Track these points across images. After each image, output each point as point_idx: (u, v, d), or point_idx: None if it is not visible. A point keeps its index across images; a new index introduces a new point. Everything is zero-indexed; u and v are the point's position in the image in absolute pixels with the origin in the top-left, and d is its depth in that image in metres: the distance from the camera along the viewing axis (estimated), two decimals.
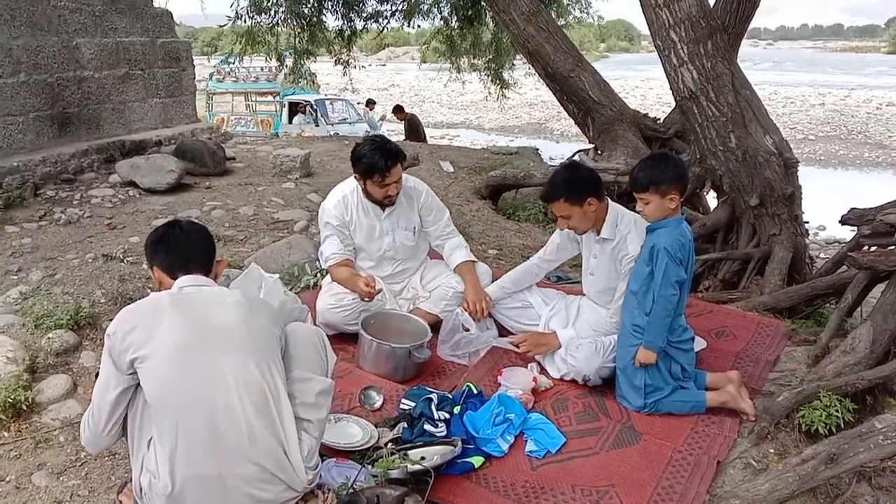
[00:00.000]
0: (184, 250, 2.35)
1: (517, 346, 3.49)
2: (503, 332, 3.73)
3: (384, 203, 3.59)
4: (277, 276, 3.62)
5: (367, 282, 3.40)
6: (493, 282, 3.83)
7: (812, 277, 4.55)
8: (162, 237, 2.40)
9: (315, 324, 3.69)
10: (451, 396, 3.11)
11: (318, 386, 2.36)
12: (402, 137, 13.22)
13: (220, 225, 4.72)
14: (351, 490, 2.33)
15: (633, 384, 3.08)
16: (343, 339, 3.66)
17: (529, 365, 3.45)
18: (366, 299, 3.44)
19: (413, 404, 3.04)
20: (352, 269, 3.65)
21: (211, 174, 5.86)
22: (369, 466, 2.65)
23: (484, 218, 5.98)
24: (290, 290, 4.11)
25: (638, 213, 3.08)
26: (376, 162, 3.40)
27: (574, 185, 3.24)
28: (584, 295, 3.69)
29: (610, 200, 3.38)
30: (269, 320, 2.30)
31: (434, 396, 3.00)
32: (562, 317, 3.62)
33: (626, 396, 3.13)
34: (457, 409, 3.02)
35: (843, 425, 2.84)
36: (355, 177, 3.58)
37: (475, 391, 3.18)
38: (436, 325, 3.72)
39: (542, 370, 3.44)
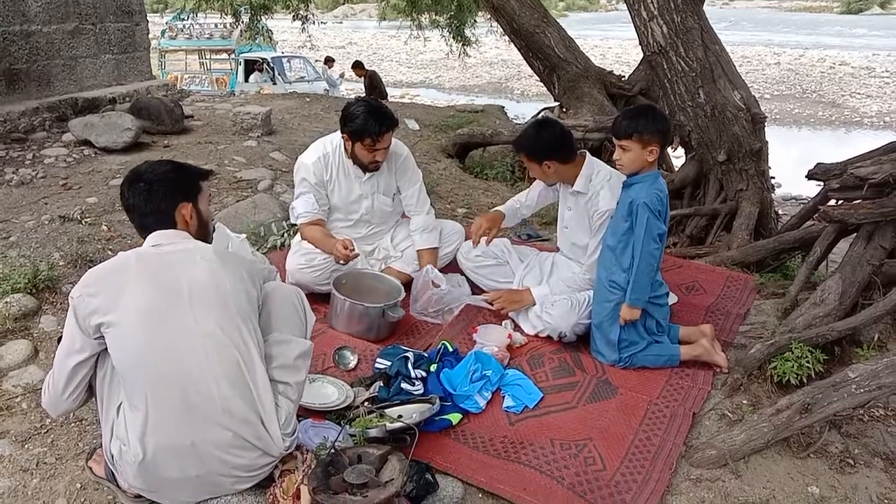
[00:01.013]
0: (142, 208, 2.21)
1: (491, 304, 3.46)
2: (476, 291, 3.69)
3: (369, 167, 3.49)
4: (244, 236, 3.52)
5: (345, 244, 3.31)
6: (465, 240, 3.79)
7: (778, 232, 4.60)
8: (122, 199, 2.27)
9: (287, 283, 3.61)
10: (426, 355, 3.08)
11: (298, 348, 2.29)
12: (363, 95, 12.96)
13: None
14: (332, 451, 2.29)
15: (608, 339, 3.09)
16: (314, 298, 3.57)
17: (504, 322, 3.43)
18: (341, 262, 3.36)
19: (389, 363, 3.00)
20: (324, 229, 3.56)
21: (169, 132, 5.67)
22: (347, 426, 2.61)
23: (451, 176, 5.91)
24: (258, 250, 4.01)
25: (614, 162, 3.05)
26: (369, 126, 3.29)
27: (534, 145, 3.25)
28: (557, 251, 3.68)
29: (588, 154, 3.34)
30: (244, 278, 2.20)
31: (410, 355, 2.96)
32: (536, 274, 3.60)
33: (601, 351, 3.14)
34: (433, 368, 2.99)
35: (813, 376, 2.88)
36: (343, 136, 3.47)
37: (451, 349, 3.15)
38: (408, 285, 3.67)
39: (517, 327, 3.43)
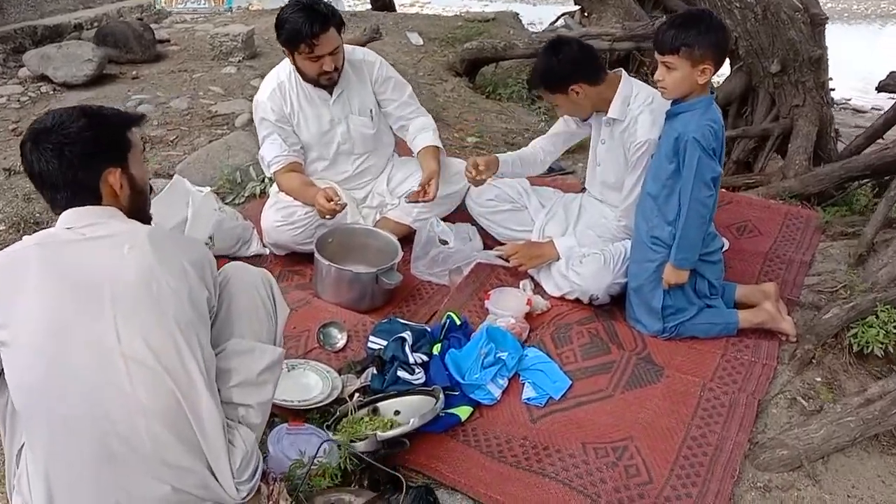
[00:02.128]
0: (52, 178, 1.63)
1: (507, 260, 2.90)
2: (489, 242, 3.13)
3: (322, 83, 2.87)
4: (209, 189, 2.97)
5: (327, 195, 2.74)
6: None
7: (841, 155, 3.95)
8: (24, 165, 1.70)
9: (263, 243, 3.07)
10: (429, 330, 2.56)
11: (264, 359, 1.76)
12: (369, 7, 12.04)
13: (147, 125, 3.98)
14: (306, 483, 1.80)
15: (650, 306, 2.53)
16: (297, 259, 3.05)
17: (522, 283, 2.88)
18: (327, 217, 2.79)
19: (383, 343, 2.48)
20: (302, 174, 2.98)
21: (139, 61, 5.02)
22: (330, 433, 2.12)
23: (460, 98, 5.24)
24: (233, 201, 3.46)
25: (656, 84, 2.42)
26: (300, 27, 2.66)
27: (553, 73, 2.63)
28: (584, 191, 3.08)
29: (625, 73, 2.71)
30: (188, 272, 1.60)
31: (408, 335, 2.43)
32: (560, 221, 3.02)
33: (640, 320, 2.59)
34: (437, 349, 2.47)
35: None
36: (283, 52, 2.86)
37: (458, 322, 2.62)
38: (408, 237, 3.12)
39: (538, 287, 2.88)
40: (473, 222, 3.18)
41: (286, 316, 1.96)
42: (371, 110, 3.03)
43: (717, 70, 2.33)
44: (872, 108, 7.80)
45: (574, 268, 2.68)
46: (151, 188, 1.90)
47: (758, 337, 2.55)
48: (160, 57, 5.19)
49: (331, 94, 2.92)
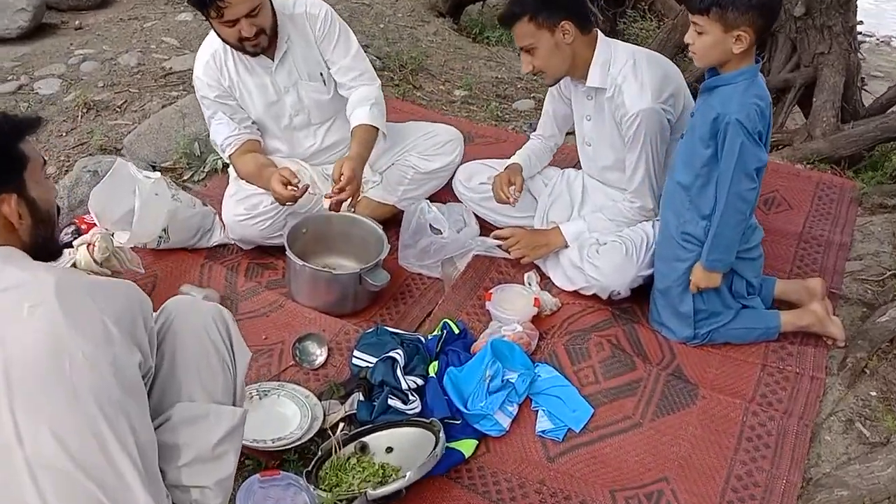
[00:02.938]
0: None
1: (507, 250, 2.53)
2: (488, 226, 2.74)
3: (247, 50, 2.39)
4: (157, 175, 2.53)
5: (282, 178, 2.32)
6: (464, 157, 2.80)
7: (871, 111, 3.56)
8: None
9: (229, 236, 2.65)
10: (423, 342, 2.20)
11: (220, 427, 1.39)
12: None
13: (90, 85, 3.48)
14: None
15: (679, 311, 2.18)
16: (267, 251, 2.65)
17: (527, 275, 2.51)
18: (288, 204, 2.38)
19: (370, 360, 2.13)
20: (260, 154, 2.55)
21: (83, 7, 4.45)
22: (312, 488, 1.78)
23: (444, 43, 4.74)
24: (192, 178, 3.02)
25: (687, 46, 2.00)
26: None
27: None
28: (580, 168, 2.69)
29: (600, 32, 2.31)
30: (111, 333, 1.21)
31: (399, 355, 2.07)
32: (564, 203, 2.63)
33: (667, 325, 2.25)
34: (433, 369, 2.11)
35: None
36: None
37: (456, 330, 2.26)
38: (396, 219, 2.72)
39: (543, 278, 2.52)
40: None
41: (247, 362, 1.59)
42: (322, 73, 2.56)
43: (758, 39, 1.91)
44: None
45: (590, 259, 2.31)
46: (59, 209, 1.48)
47: (801, 342, 2.22)
48: (107, 2, 4.61)
49: (272, 59, 2.47)
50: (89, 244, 2.21)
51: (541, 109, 3.83)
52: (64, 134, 3.12)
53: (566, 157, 3.03)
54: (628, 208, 2.38)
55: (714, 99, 1.94)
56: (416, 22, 4.93)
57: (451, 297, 2.43)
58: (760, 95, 1.91)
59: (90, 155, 2.96)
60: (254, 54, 2.41)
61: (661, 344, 2.24)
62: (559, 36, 2.20)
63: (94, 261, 2.20)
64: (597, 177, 2.58)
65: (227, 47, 2.41)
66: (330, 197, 2.33)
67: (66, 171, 2.87)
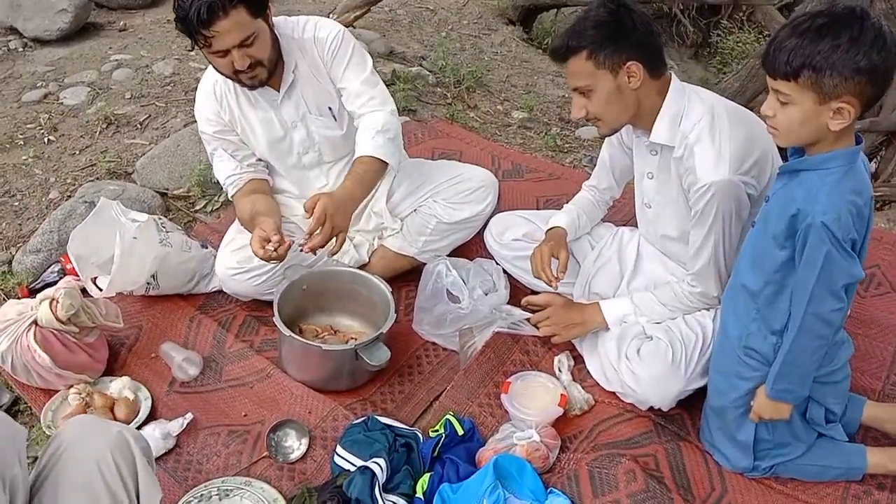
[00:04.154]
0: None
1: (536, 326, 2.13)
2: (520, 287, 2.36)
3: (244, 83, 2.07)
4: (146, 217, 2.26)
5: (261, 236, 1.98)
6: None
7: None
8: None
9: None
10: (420, 442, 1.85)
11: None
12: None
13: (118, 97, 3.27)
14: None
15: (736, 438, 1.74)
16: (268, 303, 2.33)
17: (557, 359, 2.12)
18: (272, 262, 2.05)
19: (354, 462, 1.79)
20: (260, 198, 2.23)
21: (133, 6, 4.29)
22: None
23: (510, 55, 4.34)
24: (205, 209, 2.75)
25: (764, 119, 1.55)
26: (187, 12, 1.85)
27: (613, 34, 1.74)
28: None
29: (673, 77, 1.86)
30: None
31: (380, 467, 1.72)
32: (612, 273, 2.21)
33: (721, 450, 1.80)
34: (423, 485, 1.75)
35: None
36: None
37: (460, 430, 1.89)
38: (416, 271, 2.38)
39: (578, 361, 2.12)
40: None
41: (160, 500, 1.27)
42: (331, 107, 2.22)
43: (864, 111, 1.44)
44: None
45: (630, 362, 1.89)
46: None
47: (889, 488, 1.74)
48: (158, 0, 4.43)
49: (278, 90, 2.14)
50: (52, 299, 1.96)
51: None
52: (77, 152, 2.90)
53: (622, 209, 2.61)
54: (687, 293, 1.95)
55: (797, 187, 1.48)
56: (481, 30, 4.55)
57: (462, 383, 2.05)
58: (858, 189, 1.44)
59: (97, 179, 2.74)
60: (251, 87, 2.09)
61: (710, 471, 1.80)
62: (622, 79, 1.78)
63: (58, 319, 1.94)
64: (656, 245, 2.15)
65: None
66: (305, 244, 1.97)
67: (69, 197, 2.65)
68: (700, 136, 1.77)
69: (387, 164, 2.11)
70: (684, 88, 1.86)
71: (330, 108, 2.21)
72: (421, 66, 3.92)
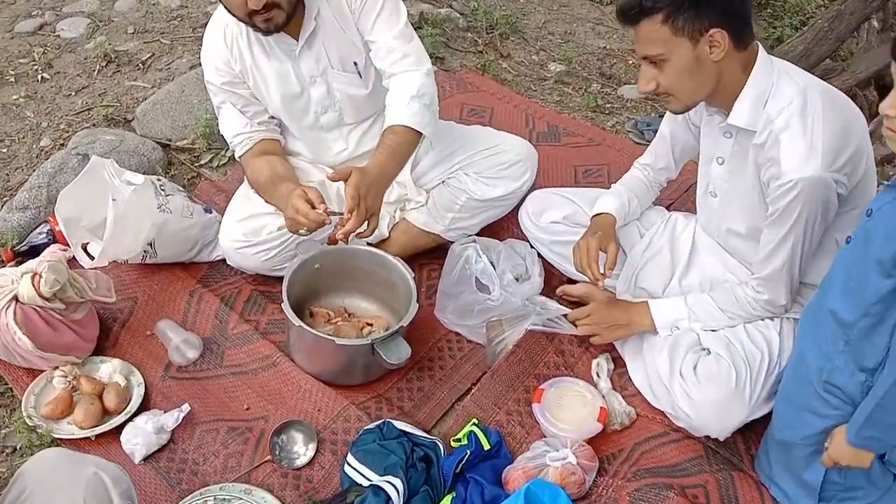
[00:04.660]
0: None
1: (574, 323, 1.91)
2: (555, 273, 2.12)
3: (258, 26, 1.78)
4: (143, 178, 2.02)
5: (307, 197, 1.74)
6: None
7: None
8: None
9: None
10: (439, 452, 1.66)
11: None
12: None
13: (120, 31, 2.97)
14: None
15: (802, 477, 1.53)
16: (277, 277, 2.12)
17: (595, 361, 1.90)
18: (301, 232, 1.82)
19: (366, 475, 1.61)
20: (276, 157, 1.99)
21: None
22: None
23: (545, 1, 3.98)
24: (210, 163, 2.51)
25: (877, 118, 1.28)
26: None
27: None
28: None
29: (760, 48, 1.59)
30: None
31: (395, 489, 1.53)
32: (663, 263, 1.96)
33: (779, 483, 1.60)
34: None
35: None
36: None
37: (487, 444, 1.68)
38: (441, 248, 2.15)
39: (619, 365, 1.90)
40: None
41: None
42: (357, 62, 1.94)
43: None
44: None
45: (685, 382, 1.66)
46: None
47: None
48: None
49: (297, 39, 1.86)
50: (35, 274, 1.74)
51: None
52: (72, 93, 2.64)
53: (678, 188, 2.36)
54: (751, 299, 1.71)
55: None
56: None
57: (489, 386, 1.84)
58: None
59: (93, 126, 2.49)
60: (266, 32, 1.81)
61: None
62: (703, 49, 1.51)
63: (41, 295, 1.73)
64: (717, 239, 1.90)
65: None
66: (335, 236, 1.74)
67: (61, 145, 2.41)
68: (789, 122, 1.51)
69: (421, 134, 1.85)
70: (773, 64, 1.59)
71: (355, 63, 1.94)
72: (451, 6, 3.58)
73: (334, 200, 2.08)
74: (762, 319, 1.74)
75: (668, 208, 2.16)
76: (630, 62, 3.49)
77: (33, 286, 1.73)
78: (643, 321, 1.82)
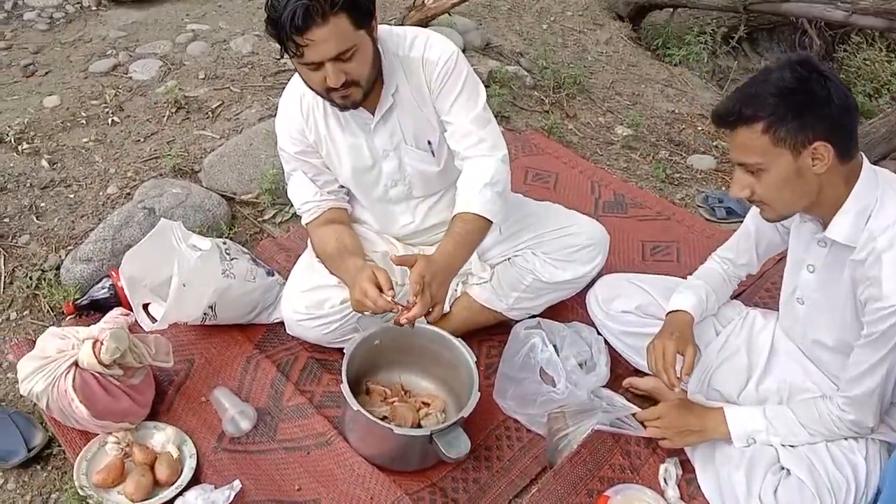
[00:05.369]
0: None
1: (644, 424, 1.82)
2: (622, 361, 2.04)
3: (336, 102, 1.74)
4: (210, 242, 2.00)
5: (375, 281, 1.69)
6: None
7: None
8: None
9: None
10: None
11: None
12: None
13: (191, 75, 3.00)
14: None
15: None
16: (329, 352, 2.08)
17: (663, 467, 1.80)
18: (365, 313, 1.77)
19: None
20: (344, 230, 1.96)
21: None
22: None
23: (616, 57, 3.93)
24: (273, 219, 2.49)
25: None
26: (280, 15, 1.53)
27: (801, 106, 1.40)
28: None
29: (865, 160, 1.51)
30: None
31: None
32: (738, 366, 1.87)
33: None
34: None
35: None
36: None
37: None
38: (502, 326, 2.08)
39: (687, 470, 1.80)
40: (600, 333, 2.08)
41: None
42: (430, 140, 1.90)
43: None
44: None
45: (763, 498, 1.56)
46: None
47: None
48: None
49: (373, 114, 1.83)
50: (96, 341, 1.72)
51: (722, 171, 3.06)
52: (142, 139, 2.66)
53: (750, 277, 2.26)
54: (836, 417, 1.61)
55: None
56: (586, 24, 4.14)
57: (550, 487, 1.75)
58: None
59: (160, 175, 2.49)
60: (343, 108, 1.78)
61: None
62: (805, 161, 1.43)
63: (101, 363, 1.71)
64: (800, 346, 1.80)
65: None
66: (400, 318, 1.69)
67: (128, 194, 2.41)
68: (893, 242, 1.42)
69: (491, 222, 1.79)
70: (877, 177, 1.50)
71: (429, 142, 1.90)
72: (519, 63, 3.55)
73: (398, 274, 2.04)
74: (845, 439, 1.63)
75: (738, 297, 2.06)
76: (699, 128, 3.41)
77: (94, 353, 1.71)
78: (718, 429, 1.72)
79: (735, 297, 2.01)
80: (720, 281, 1.92)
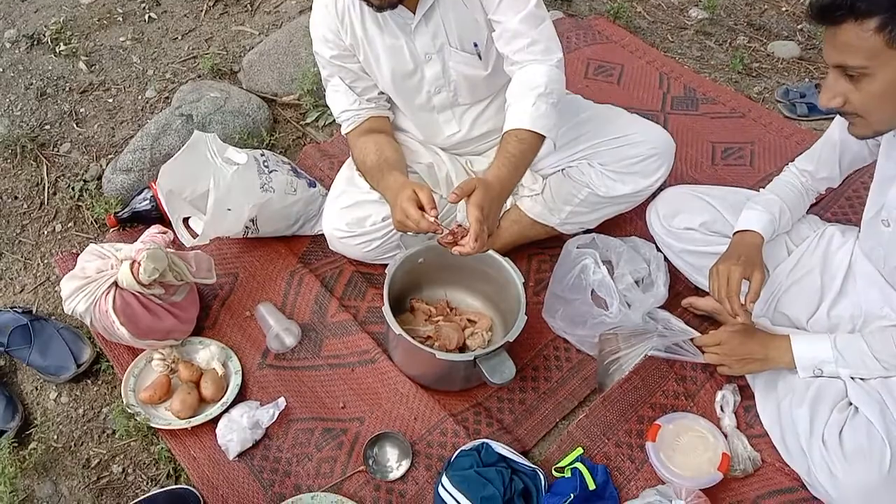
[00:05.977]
0: None
1: (701, 349, 1.71)
2: (682, 278, 1.92)
3: (370, 1, 1.59)
4: (246, 156, 1.91)
5: (417, 199, 1.56)
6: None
7: None
8: None
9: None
10: (540, 484, 1.55)
11: None
12: None
13: None
14: None
15: None
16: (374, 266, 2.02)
17: (720, 394, 1.71)
18: (410, 233, 1.67)
19: (461, 502, 1.52)
20: (385, 141, 1.83)
21: None
22: None
23: None
24: (316, 121, 2.38)
25: None
26: None
27: None
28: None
29: None
30: None
31: None
32: (811, 287, 1.71)
33: None
34: None
35: None
36: None
37: (593, 485, 1.55)
38: (554, 240, 1.97)
39: (745, 398, 1.71)
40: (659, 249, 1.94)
41: None
42: (477, 42, 1.72)
43: None
44: None
45: (828, 452, 1.44)
46: None
47: None
48: None
49: (413, 12, 1.66)
50: (134, 262, 1.69)
51: (808, 60, 2.76)
52: (179, 37, 2.54)
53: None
54: None
55: None
56: None
57: (599, 413, 1.69)
58: None
59: (198, 76, 2.39)
60: (380, 8, 1.62)
61: None
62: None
63: (140, 283, 1.68)
64: (881, 270, 1.63)
65: None
66: (445, 240, 1.58)
67: (166, 98, 2.33)
68: None
69: (545, 137, 1.63)
70: None
71: (475, 44, 1.72)
72: None
73: (443, 186, 1.93)
74: None
75: (814, 206, 1.87)
76: (783, 9, 3.07)
77: (132, 273, 1.68)
78: (782, 358, 1.60)
79: (811, 207, 1.83)
80: (796, 196, 1.74)
